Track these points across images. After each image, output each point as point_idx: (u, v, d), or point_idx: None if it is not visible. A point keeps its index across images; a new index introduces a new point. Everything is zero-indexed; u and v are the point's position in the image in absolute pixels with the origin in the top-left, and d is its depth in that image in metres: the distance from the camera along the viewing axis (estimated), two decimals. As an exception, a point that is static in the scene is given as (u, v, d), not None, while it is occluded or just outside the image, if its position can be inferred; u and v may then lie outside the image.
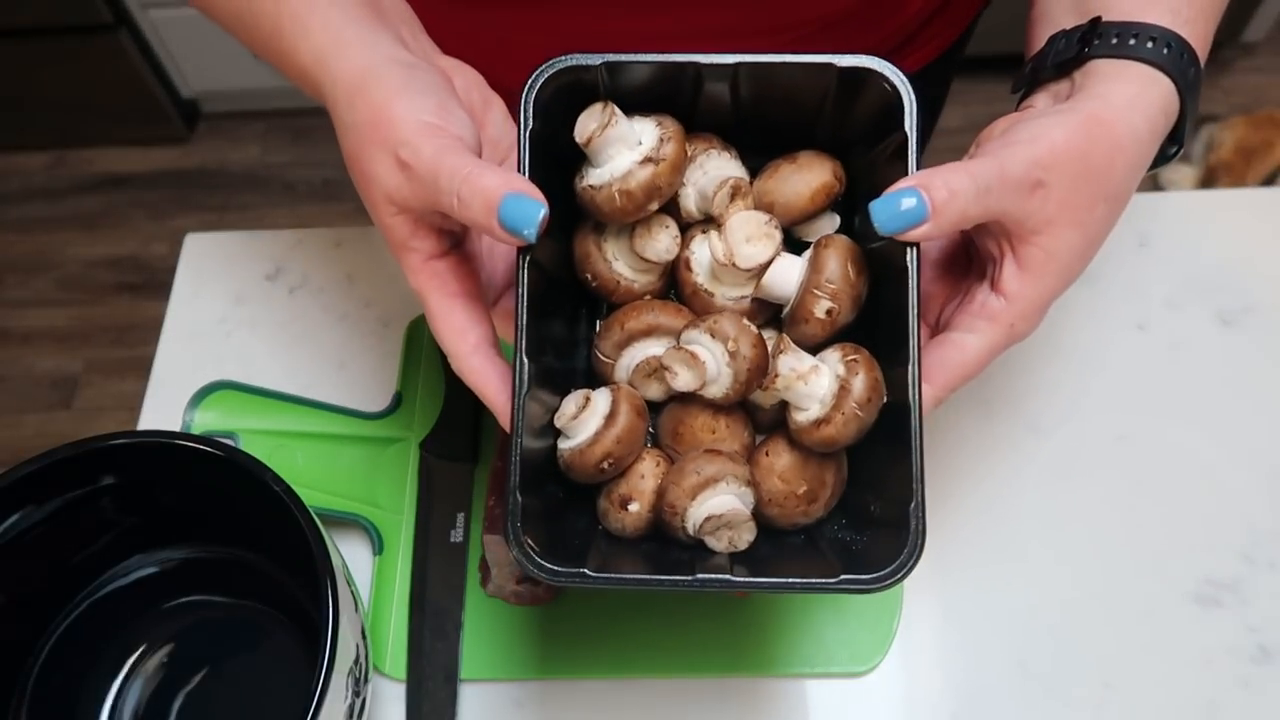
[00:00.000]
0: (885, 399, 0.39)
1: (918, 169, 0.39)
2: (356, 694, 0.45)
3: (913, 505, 0.37)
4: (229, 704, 0.53)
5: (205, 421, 0.59)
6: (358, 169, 0.42)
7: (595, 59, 0.39)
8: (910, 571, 0.37)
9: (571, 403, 0.40)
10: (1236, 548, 0.57)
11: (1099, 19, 0.43)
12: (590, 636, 0.55)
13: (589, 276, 0.43)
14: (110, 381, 1.68)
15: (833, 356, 0.40)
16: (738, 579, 0.38)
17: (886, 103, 0.39)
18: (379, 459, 0.60)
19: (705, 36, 0.58)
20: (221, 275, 0.69)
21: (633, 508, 0.41)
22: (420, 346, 0.64)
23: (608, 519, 0.42)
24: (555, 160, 0.41)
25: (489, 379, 0.41)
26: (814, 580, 0.37)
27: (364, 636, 0.48)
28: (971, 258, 0.44)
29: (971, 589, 0.56)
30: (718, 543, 0.39)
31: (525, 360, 0.38)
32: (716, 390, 0.40)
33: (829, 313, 0.39)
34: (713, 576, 0.38)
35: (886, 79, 0.39)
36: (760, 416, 0.43)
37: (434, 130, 0.40)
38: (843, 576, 0.37)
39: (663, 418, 0.43)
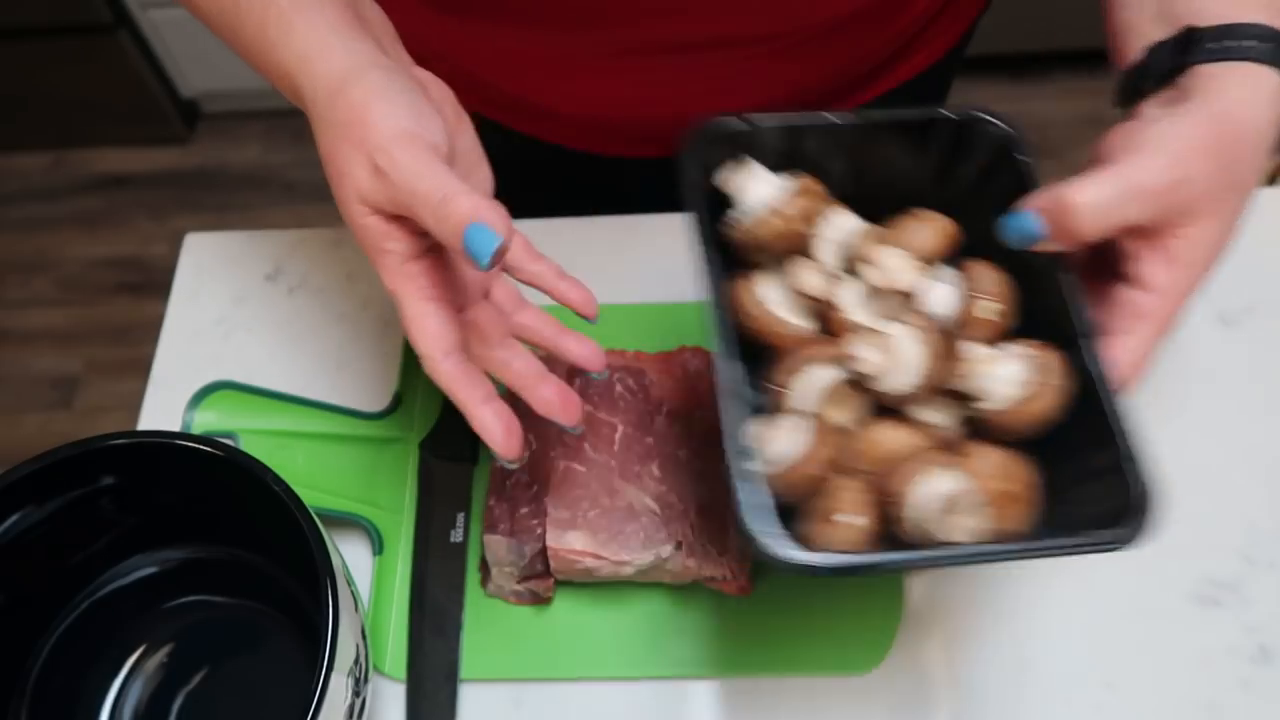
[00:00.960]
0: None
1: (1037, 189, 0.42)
2: (356, 694, 0.45)
3: (1129, 459, 0.38)
4: (229, 704, 0.53)
5: (205, 421, 0.59)
6: (333, 167, 0.43)
7: (739, 123, 0.45)
8: (1152, 523, 0.38)
9: (767, 426, 0.41)
10: (1236, 548, 0.57)
11: (1192, 29, 0.44)
12: (590, 636, 0.55)
13: (747, 320, 0.44)
14: (110, 381, 1.68)
15: (1012, 348, 0.41)
16: (1000, 546, 0.38)
17: (996, 142, 0.44)
18: (379, 459, 0.60)
19: (708, 44, 0.58)
20: (221, 275, 0.69)
21: (846, 519, 0.40)
22: (420, 346, 0.64)
23: (819, 538, 0.40)
24: (711, 212, 0.45)
25: (461, 383, 0.43)
26: (1073, 539, 0.37)
27: (364, 636, 0.48)
28: (1101, 260, 0.45)
29: (972, 589, 0.56)
30: (953, 533, 0.38)
31: (734, 375, 0.40)
32: (906, 378, 0.40)
33: (998, 313, 0.42)
34: (982, 547, 0.38)
35: (994, 120, 0.44)
36: (941, 436, 0.43)
37: (409, 137, 0.41)
38: (1100, 532, 0.37)
39: (854, 444, 0.42)
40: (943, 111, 0.43)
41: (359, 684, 0.46)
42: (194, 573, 0.54)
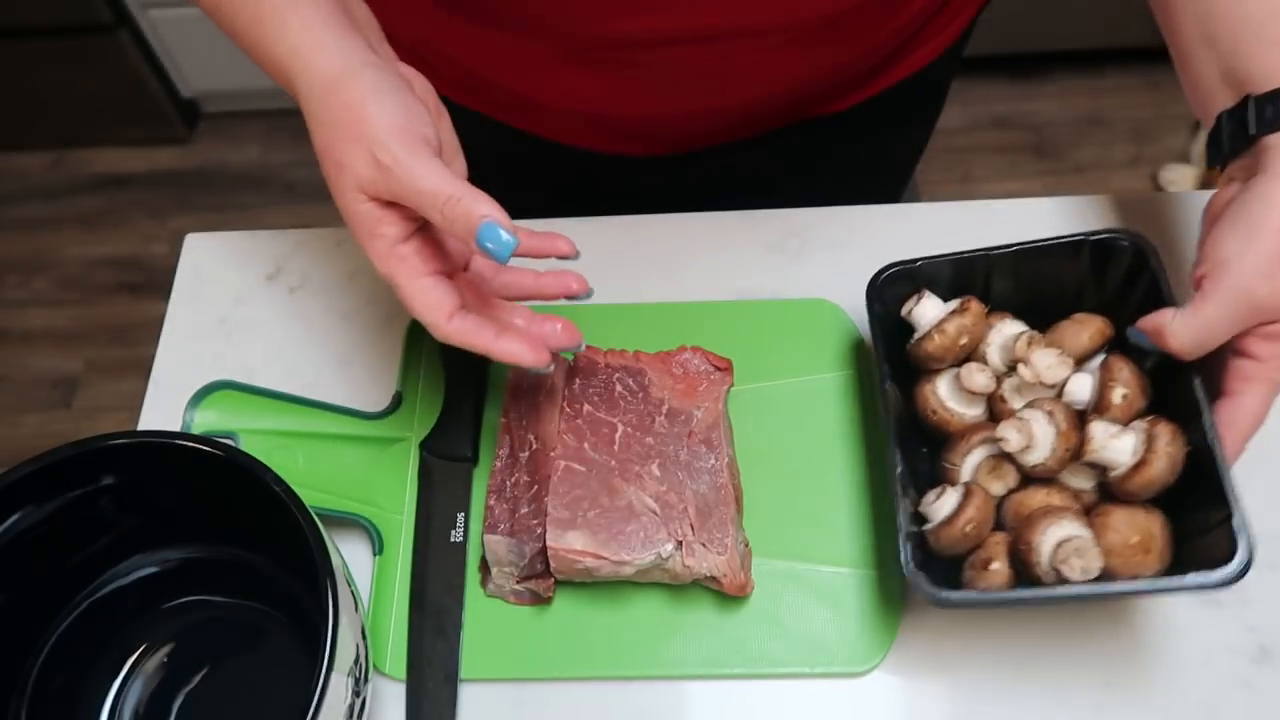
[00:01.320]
0: (1188, 447, 0.47)
1: (1169, 291, 0.51)
2: (356, 694, 0.45)
3: (1234, 519, 0.45)
4: (229, 704, 0.53)
5: (205, 421, 0.59)
6: (331, 160, 0.46)
7: (914, 261, 0.55)
8: (1249, 568, 0.44)
9: (932, 493, 0.50)
10: (1236, 548, 0.57)
11: (1248, 98, 0.46)
12: (590, 636, 0.55)
13: (929, 414, 0.54)
14: (110, 381, 1.68)
15: (1135, 424, 0.49)
16: (1108, 586, 0.46)
17: (1131, 253, 0.53)
18: (379, 459, 0.60)
19: (706, 38, 0.58)
20: (221, 275, 0.69)
21: (994, 566, 0.48)
22: (421, 346, 0.64)
23: (974, 583, 0.49)
24: (893, 337, 0.55)
25: (473, 333, 0.47)
26: (1170, 580, 0.45)
27: (364, 636, 0.48)
28: None
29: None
30: (1072, 572, 0.45)
31: (899, 460, 0.50)
32: (1041, 453, 0.49)
33: (1124, 397, 0.49)
34: (1095, 588, 0.45)
35: (1128, 237, 0.53)
36: (1085, 499, 0.51)
37: (403, 132, 0.45)
38: (1194, 574, 0.44)
39: (1004, 507, 0.51)
40: (1085, 236, 0.53)
41: (359, 684, 0.46)
42: (194, 573, 0.55)
